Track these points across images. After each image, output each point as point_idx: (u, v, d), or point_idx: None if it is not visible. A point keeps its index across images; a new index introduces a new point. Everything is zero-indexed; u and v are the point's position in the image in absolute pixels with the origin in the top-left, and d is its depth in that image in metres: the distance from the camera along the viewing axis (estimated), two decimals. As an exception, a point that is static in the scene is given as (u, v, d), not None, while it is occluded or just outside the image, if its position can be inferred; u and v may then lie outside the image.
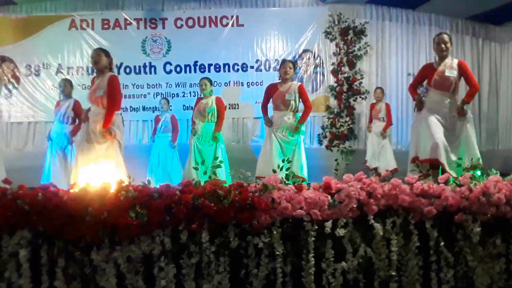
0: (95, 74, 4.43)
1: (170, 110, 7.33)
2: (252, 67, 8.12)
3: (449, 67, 4.24)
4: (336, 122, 7.94)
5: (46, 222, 2.51)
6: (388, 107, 7.37)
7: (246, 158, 6.79)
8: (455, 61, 4.31)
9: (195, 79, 7.03)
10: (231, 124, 8.01)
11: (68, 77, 7.26)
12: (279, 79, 5.22)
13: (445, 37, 4.28)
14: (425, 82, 4.44)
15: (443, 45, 4.25)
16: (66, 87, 5.85)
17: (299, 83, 5.35)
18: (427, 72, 4.37)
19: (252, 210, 2.56)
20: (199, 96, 6.16)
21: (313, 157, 5.71)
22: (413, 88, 4.51)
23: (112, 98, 4.10)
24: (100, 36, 7.94)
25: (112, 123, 4.06)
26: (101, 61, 4.23)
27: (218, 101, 5.81)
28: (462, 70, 4.27)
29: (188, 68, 8.08)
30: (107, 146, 4.03)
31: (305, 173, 4.95)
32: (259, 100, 7.61)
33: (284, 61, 5.20)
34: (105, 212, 2.51)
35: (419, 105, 4.34)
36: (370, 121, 7.42)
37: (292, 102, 5.08)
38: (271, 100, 5.15)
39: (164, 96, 7.72)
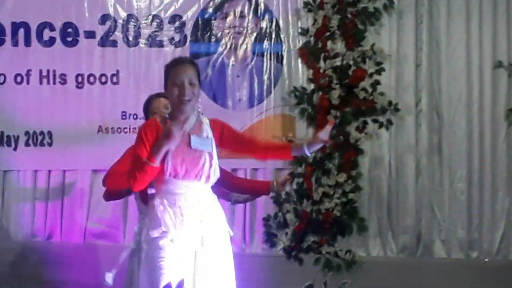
0: None
1: None
2: (90, 34, 6.58)
3: None
4: (313, 188, 6.65)
5: None
6: None
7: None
8: None
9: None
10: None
11: None
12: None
13: None
14: None
15: None
16: None
17: (211, 119, 4.74)
18: None
19: None
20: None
21: (252, 278, 5.34)
22: None
23: None
24: None
25: None
26: None
27: None
28: None
29: None
30: None
31: None
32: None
33: (177, 62, 4.46)
34: None
35: None
36: None
37: (207, 158, 4.55)
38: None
39: None
